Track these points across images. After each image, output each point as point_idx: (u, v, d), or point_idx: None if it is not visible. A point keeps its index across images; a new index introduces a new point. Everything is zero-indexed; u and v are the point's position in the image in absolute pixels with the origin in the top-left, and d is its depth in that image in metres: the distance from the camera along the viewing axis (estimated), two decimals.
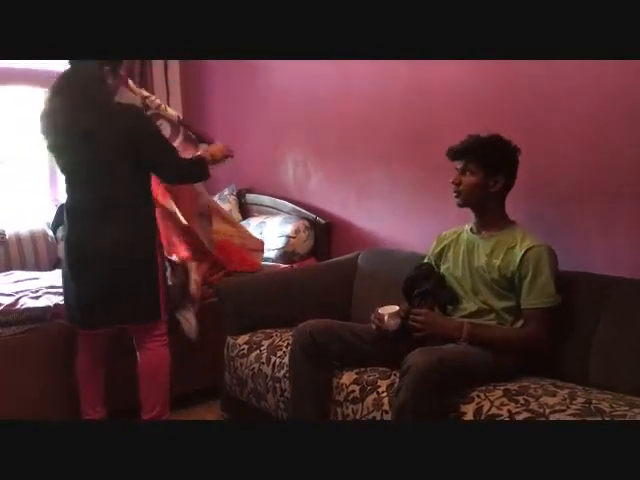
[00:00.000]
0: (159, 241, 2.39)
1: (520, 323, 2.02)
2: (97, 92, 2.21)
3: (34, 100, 3.55)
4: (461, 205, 2.13)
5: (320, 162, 3.32)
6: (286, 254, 3.19)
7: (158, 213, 2.46)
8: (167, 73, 4.09)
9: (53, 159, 2.34)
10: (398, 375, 1.84)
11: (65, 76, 2.23)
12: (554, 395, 1.74)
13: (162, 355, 2.40)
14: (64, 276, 2.34)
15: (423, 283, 2.14)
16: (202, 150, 2.58)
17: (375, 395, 1.96)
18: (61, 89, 2.21)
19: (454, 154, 2.12)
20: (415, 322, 2.00)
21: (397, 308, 2.05)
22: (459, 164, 2.11)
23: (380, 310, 2.05)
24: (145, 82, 3.92)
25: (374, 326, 2.07)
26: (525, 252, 1.98)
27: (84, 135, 2.16)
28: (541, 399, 1.72)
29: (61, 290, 2.40)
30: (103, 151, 2.18)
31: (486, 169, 2.06)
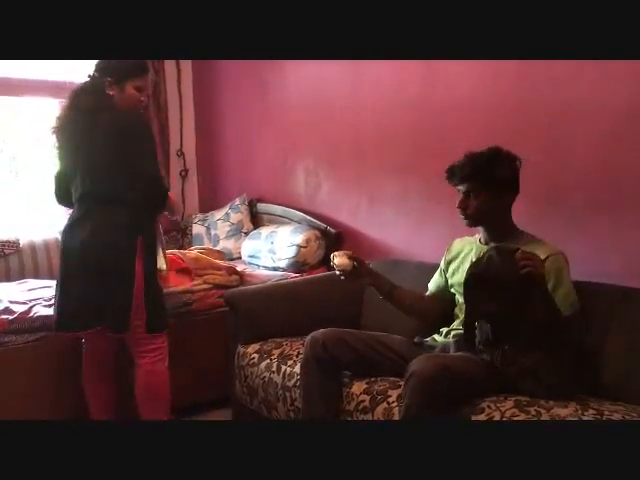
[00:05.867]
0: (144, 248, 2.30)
1: None
2: (97, 100, 2.29)
3: (47, 111, 3.60)
4: (471, 226, 2.10)
5: (331, 171, 3.34)
6: (297, 264, 3.20)
7: None
8: (180, 90, 4.15)
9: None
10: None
11: (77, 90, 2.33)
12: (566, 406, 1.73)
13: (156, 371, 2.34)
14: (63, 280, 2.32)
15: None
16: None
17: (385, 405, 1.96)
18: (77, 100, 2.31)
19: (456, 180, 2.05)
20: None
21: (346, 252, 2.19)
22: (462, 187, 2.05)
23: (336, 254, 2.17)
24: (158, 97, 3.98)
25: (340, 272, 2.14)
26: (543, 261, 1.96)
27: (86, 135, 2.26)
28: (552, 410, 1.71)
29: None
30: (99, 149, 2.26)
31: (490, 188, 2.01)
